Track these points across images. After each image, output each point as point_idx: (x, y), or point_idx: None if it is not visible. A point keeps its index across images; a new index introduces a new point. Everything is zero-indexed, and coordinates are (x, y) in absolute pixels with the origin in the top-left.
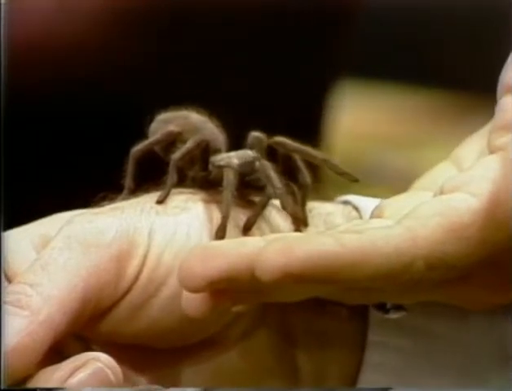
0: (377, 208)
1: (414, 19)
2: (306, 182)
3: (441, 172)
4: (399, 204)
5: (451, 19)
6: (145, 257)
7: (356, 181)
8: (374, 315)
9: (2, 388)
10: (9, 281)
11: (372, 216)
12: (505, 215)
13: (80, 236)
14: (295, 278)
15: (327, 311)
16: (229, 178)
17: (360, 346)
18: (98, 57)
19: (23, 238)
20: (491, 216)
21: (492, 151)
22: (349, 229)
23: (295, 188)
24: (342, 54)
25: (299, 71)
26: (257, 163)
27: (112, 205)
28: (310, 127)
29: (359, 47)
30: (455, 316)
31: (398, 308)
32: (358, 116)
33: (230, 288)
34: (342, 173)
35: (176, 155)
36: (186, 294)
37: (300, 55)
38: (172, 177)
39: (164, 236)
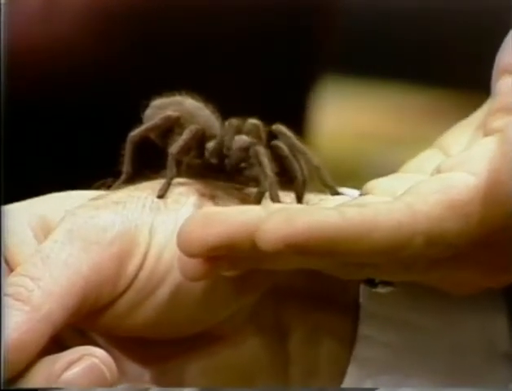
0: (365, 187)
1: (414, 17)
2: (303, 176)
3: (427, 157)
4: (388, 183)
5: (451, 17)
6: (145, 255)
7: (338, 195)
8: (365, 310)
9: (2, 388)
10: (5, 261)
11: (361, 194)
12: (503, 194)
13: (82, 232)
14: (296, 248)
15: (319, 306)
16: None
17: (351, 341)
18: (92, 48)
19: (20, 217)
20: (490, 194)
21: (488, 134)
22: (351, 203)
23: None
24: (330, 51)
25: (285, 69)
26: (251, 149)
27: (115, 198)
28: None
29: (357, 45)
30: (445, 311)
31: (386, 283)
32: (358, 115)
33: (228, 254)
34: (328, 186)
35: (174, 148)
36: (183, 257)
37: (286, 53)
38: (171, 170)
39: (164, 234)
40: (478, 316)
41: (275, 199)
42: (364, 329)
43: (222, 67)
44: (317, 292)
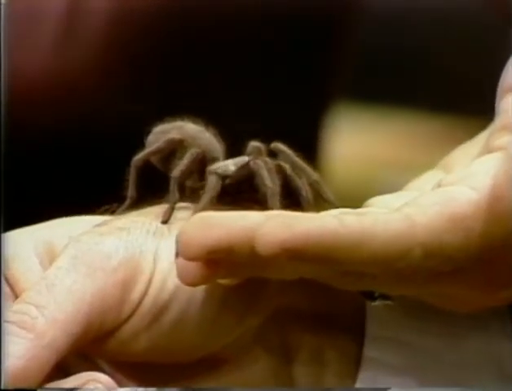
0: (366, 203)
1: (426, 45)
2: (307, 198)
3: (430, 177)
4: (389, 199)
5: (463, 45)
6: (149, 282)
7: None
8: (370, 332)
9: (2, 388)
10: (8, 284)
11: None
12: (504, 211)
13: (86, 258)
14: (294, 254)
15: (324, 328)
16: (211, 183)
17: (356, 362)
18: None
19: (25, 243)
20: (490, 210)
21: (491, 151)
22: (350, 212)
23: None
24: (342, 77)
25: (296, 94)
26: (251, 163)
27: (119, 224)
28: (307, 150)
29: (368, 71)
30: (451, 333)
31: (385, 297)
32: (369, 142)
33: (227, 260)
34: (328, 201)
35: (176, 172)
36: (181, 261)
37: (298, 78)
38: (174, 195)
39: (168, 261)
40: (484, 337)
41: (274, 208)
42: (369, 351)
43: (234, 92)
44: (322, 313)
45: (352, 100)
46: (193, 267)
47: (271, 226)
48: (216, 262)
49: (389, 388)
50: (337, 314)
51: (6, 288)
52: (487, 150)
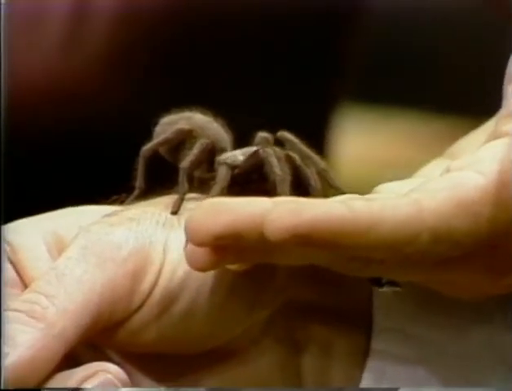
0: (374, 190)
1: (431, 45)
2: (316, 188)
3: (437, 165)
4: (397, 186)
5: (468, 45)
6: (159, 272)
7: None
8: (378, 324)
9: (2, 388)
10: (17, 272)
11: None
12: (511, 196)
13: (96, 249)
14: (303, 239)
15: (332, 320)
16: (221, 174)
17: (364, 354)
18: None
19: (33, 231)
20: (498, 195)
21: (498, 137)
22: (359, 197)
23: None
24: (347, 77)
25: (301, 94)
26: (260, 151)
27: (129, 214)
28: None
29: (374, 72)
30: (455, 324)
31: (393, 283)
32: (374, 143)
33: (235, 245)
34: (336, 188)
35: (185, 163)
36: (190, 246)
37: (306, 78)
38: (183, 185)
39: (178, 251)
40: (488, 329)
41: (283, 195)
42: (376, 343)
43: (238, 93)
44: (330, 306)
45: (356, 101)
46: (202, 252)
47: (279, 211)
48: (224, 248)
49: (398, 388)
50: (345, 306)
51: (14, 276)
52: (495, 136)
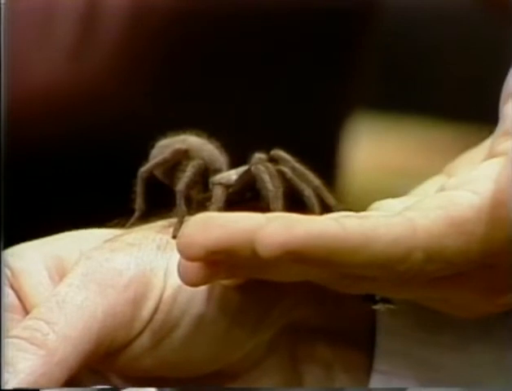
0: (370, 208)
1: (442, 51)
2: (311, 198)
3: (435, 183)
4: (392, 204)
5: (481, 52)
6: (160, 298)
7: None
8: (380, 346)
9: (2, 388)
10: (18, 298)
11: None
12: (506, 216)
13: (97, 276)
14: (294, 256)
15: (334, 341)
16: (217, 195)
17: (366, 375)
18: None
19: (34, 256)
20: (492, 215)
21: (494, 156)
22: (351, 215)
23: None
24: (361, 85)
25: (316, 101)
26: (252, 168)
27: (129, 239)
28: (327, 159)
29: (384, 79)
30: (460, 346)
31: (386, 301)
32: (385, 150)
33: (227, 260)
34: (330, 205)
35: (180, 186)
36: (182, 262)
37: (317, 85)
38: (181, 208)
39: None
40: (493, 348)
41: (277, 211)
42: (379, 364)
43: (254, 100)
44: (332, 327)
45: (368, 108)
46: (194, 268)
47: (271, 227)
48: (217, 263)
49: (405, 388)
50: (348, 327)
51: (15, 301)
52: (490, 155)
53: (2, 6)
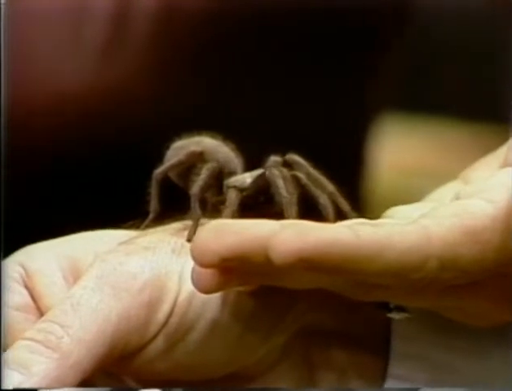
0: (384, 214)
1: (458, 52)
2: (325, 205)
3: (450, 188)
4: (408, 210)
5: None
6: (175, 302)
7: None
8: (395, 350)
9: (2, 388)
10: (32, 298)
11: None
12: None
13: (112, 279)
14: (308, 263)
15: (348, 346)
16: (231, 198)
17: (381, 379)
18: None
19: (49, 257)
20: (506, 223)
21: (509, 165)
22: (366, 222)
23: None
24: (384, 87)
25: (341, 104)
26: (267, 172)
27: (144, 243)
28: (351, 160)
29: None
30: (474, 349)
31: (400, 309)
32: (403, 150)
33: (241, 267)
34: (345, 211)
35: (195, 189)
36: (196, 268)
37: (342, 87)
38: (196, 211)
39: None
40: (510, 352)
41: (291, 218)
42: (394, 368)
43: (273, 101)
44: (347, 331)
45: (393, 109)
46: (207, 274)
47: (285, 234)
48: (230, 270)
49: (419, 388)
50: (362, 331)
51: (29, 301)
52: (505, 164)
53: (2, 6)
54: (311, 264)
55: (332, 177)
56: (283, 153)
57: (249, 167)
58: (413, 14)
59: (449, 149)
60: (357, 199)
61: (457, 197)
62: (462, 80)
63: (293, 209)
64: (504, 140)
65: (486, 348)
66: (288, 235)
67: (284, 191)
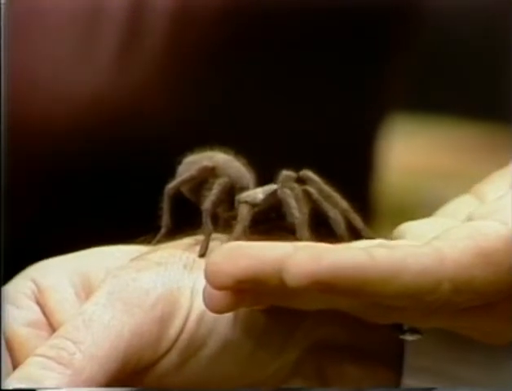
0: (396, 231)
1: (467, 52)
2: (337, 220)
3: (464, 203)
4: (420, 227)
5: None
6: (187, 318)
7: (372, 239)
8: (409, 364)
9: (2, 388)
10: (44, 314)
11: (392, 238)
12: None
13: (124, 295)
14: (322, 286)
15: (361, 360)
16: (243, 213)
17: None
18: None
19: (61, 272)
20: None
21: None
22: (379, 244)
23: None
24: (394, 88)
25: (350, 105)
26: (279, 191)
27: (156, 258)
28: (361, 161)
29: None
30: (490, 363)
31: (414, 331)
32: (412, 150)
33: (254, 289)
34: (358, 228)
35: (207, 204)
36: (209, 289)
37: (351, 88)
38: (208, 226)
39: None
40: None
41: (303, 239)
42: (407, 382)
43: (289, 100)
44: (359, 345)
45: (401, 110)
46: (220, 295)
47: (299, 257)
48: (243, 291)
49: (434, 388)
50: (375, 345)
51: (41, 317)
52: None
53: (2, 6)
54: (325, 286)
55: (341, 178)
56: (291, 155)
57: (260, 177)
58: (422, 13)
59: (459, 149)
60: (366, 200)
61: (470, 217)
62: (472, 80)
63: (305, 230)
64: None
65: (499, 361)
66: (302, 258)
67: (297, 212)
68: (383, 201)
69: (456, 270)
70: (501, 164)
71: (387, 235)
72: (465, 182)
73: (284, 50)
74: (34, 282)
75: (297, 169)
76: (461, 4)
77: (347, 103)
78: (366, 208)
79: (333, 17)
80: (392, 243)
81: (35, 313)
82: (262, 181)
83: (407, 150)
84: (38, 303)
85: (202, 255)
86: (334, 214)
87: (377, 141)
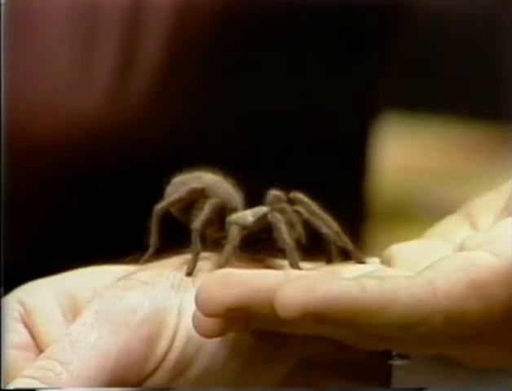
0: (386, 253)
1: (464, 53)
2: (330, 235)
3: (454, 224)
4: (409, 251)
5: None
6: (174, 337)
7: (363, 263)
8: (397, 379)
9: (2, 388)
10: (31, 335)
11: (382, 260)
12: None
13: (111, 314)
14: (314, 317)
15: (349, 374)
16: (233, 234)
17: None
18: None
19: (47, 293)
20: (511, 277)
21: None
22: (371, 275)
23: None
24: (388, 86)
25: (344, 104)
26: (269, 216)
27: (143, 278)
28: (355, 162)
29: (409, 80)
30: (478, 379)
31: (402, 356)
32: (406, 151)
33: (244, 316)
34: (349, 251)
35: (196, 224)
36: (199, 314)
37: (345, 87)
38: (196, 246)
39: None
40: (509, 382)
41: (294, 265)
42: None
43: (282, 99)
44: (349, 360)
45: (395, 108)
46: (210, 321)
47: (291, 287)
48: (233, 317)
49: (425, 388)
50: (364, 360)
51: (28, 339)
52: (509, 212)
53: (2, 7)
54: (316, 317)
55: (335, 179)
56: (285, 157)
57: (249, 193)
58: (418, 13)
59: (453, 149)
60: (360, 200)
61: (462, 247)
62: (467, 80)
63: (295, 256)
64: (509, 141)
65: (487, 377)
66: (294, 289)
67: (288, 237)
68: (377, 201)
69: (448, 301)
70: (495, 164)
71: (381, 236)
72: (458, 182)
73: (277, 50)
74: (21, 303)
75: (290, 171)
76: (461, 4)
77: (340, 103)
78: (360, 208)
79: (325, 18)
80: (384, 274)
81: (22, 335)
82: (250, 193)
83: (401, 150)
84: (26, 325)
85: (189, 274)
86: (326, 230)
87: (371, 141)
